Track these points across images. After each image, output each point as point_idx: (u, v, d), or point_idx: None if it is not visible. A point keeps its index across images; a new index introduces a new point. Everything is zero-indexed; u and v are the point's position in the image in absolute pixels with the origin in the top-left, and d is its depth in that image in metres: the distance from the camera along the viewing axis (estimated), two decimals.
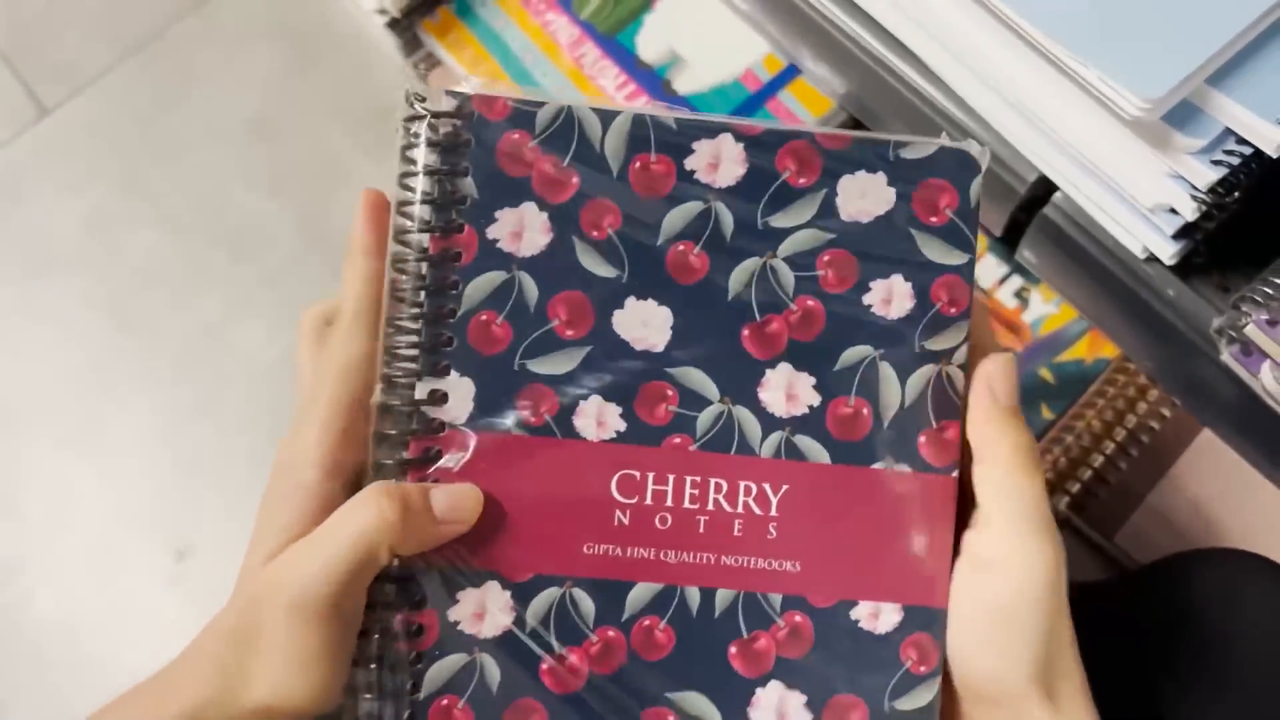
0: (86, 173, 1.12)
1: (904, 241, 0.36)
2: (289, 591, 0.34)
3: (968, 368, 0.37)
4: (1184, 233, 0.49)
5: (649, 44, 0.81)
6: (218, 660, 0.36)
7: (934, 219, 0.36)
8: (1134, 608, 0.51)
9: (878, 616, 0.36)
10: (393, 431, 0.36)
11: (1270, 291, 0.47)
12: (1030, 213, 0.57)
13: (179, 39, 1.15)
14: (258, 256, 1.08)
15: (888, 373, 0.36)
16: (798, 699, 0.36)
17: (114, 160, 1.12)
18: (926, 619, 0.36)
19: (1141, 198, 0.48)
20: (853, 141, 0.36)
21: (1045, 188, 0.55)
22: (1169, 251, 0.50)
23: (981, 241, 0.80)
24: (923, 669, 0.36)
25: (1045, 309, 0.77)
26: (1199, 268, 0.51)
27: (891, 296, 0.36)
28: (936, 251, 0.36)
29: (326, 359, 0.37)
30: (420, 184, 0.36)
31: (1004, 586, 0.35)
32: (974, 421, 0.36)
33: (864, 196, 0.36)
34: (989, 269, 0.79)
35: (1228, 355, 0.50)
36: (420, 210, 0.35)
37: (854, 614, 0.36)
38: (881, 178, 0.36)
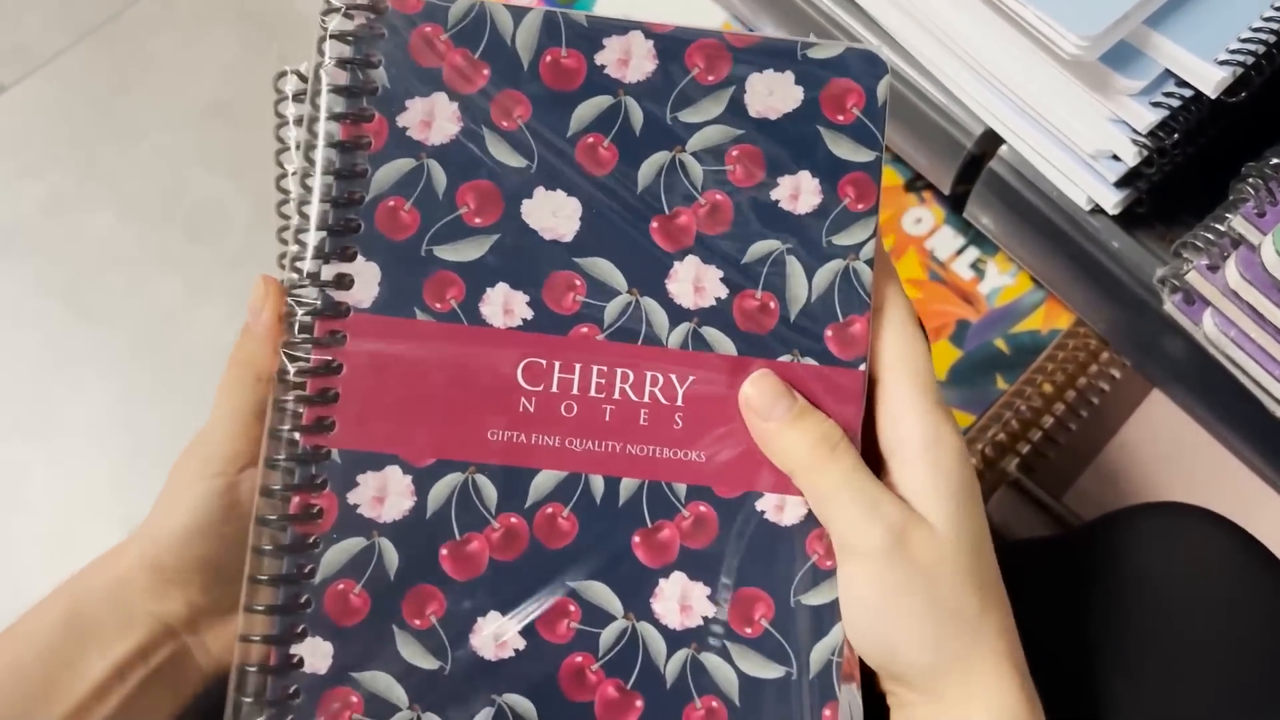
0: (42, 155, 1.11)
1: (811, 139, 0.37)
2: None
3: (874, 264, 0.37)
4: (1126, 181, 0.49)
5: (606, 12, 0.81)
6: (108, 556, 0.40)
7: (841, 117, 0.36)
8: (1076, 562, 0.51)
9: (783, 509, 0.36)
10: (297, 314, 0.36)
11: (1211, 237, 0.47)
12: (978, 171, 0.57)
13: (135, 21, 1.14)
14: (216, 239, 1.07)
15: (794, 267, 0.37)
16: (701, 590, 0.36)
17: (70, 143, 1.11)
18: None
19: (1083, 144, 0.48)
20: (761, 41, 0.36)
21: (992, 142, 0.55)
22: (1112, 200, 0.50)
23: (938, 214, 0.80)
24: (829, 564, 0.36)
25: (1001, 280, 0.77)
26: (1142, 219, 0.52)
27: (799, 192, 0.37)
28: (844, 149, 0.36)
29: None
30: (332, 74, 0.36)
31: (858, 580, 0.35)
32: (762, 447, 0.36)
33: (771, 94, 0.36)
34: (945, 241, 0.79)
35: (1171, 305, 0.50)
36: (330, 99, 0.36)
37: (759, 505, 0.36)
38: (789, 76, 0.36)
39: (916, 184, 0.80)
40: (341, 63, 0.36)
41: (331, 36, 0.36)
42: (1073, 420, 0.63)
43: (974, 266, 0.80)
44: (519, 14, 0.36)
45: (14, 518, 0.97)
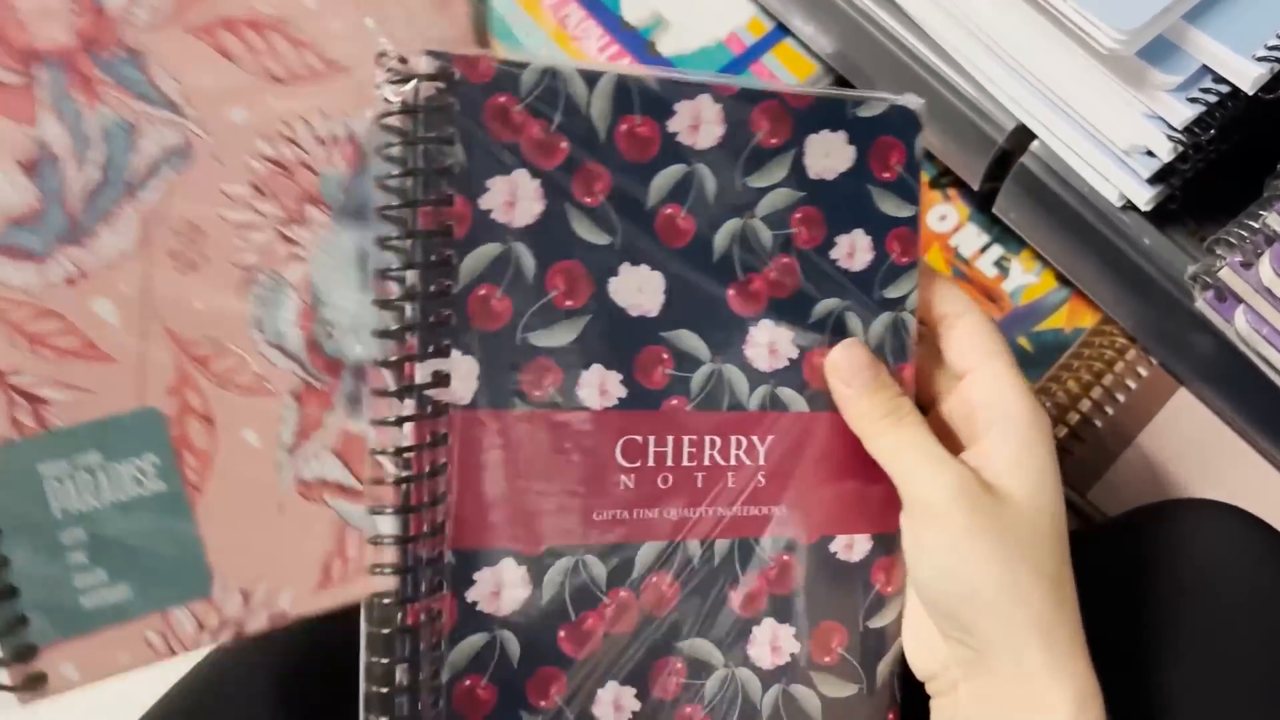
0: None
1: (864, 198, 0.38)
2: None
3: (915, 313, 0.39)
4: (1159, 177, 0.49)
5: (633, 5, 0.81)
6: None
7: (886, 174, 0.38)
8: (1100, 557, 0.51)
9: (852, 547, 0.39)
10: (391, 419, 0.35)
11: (1244, 234, 0.47)
12: (1008, 167, 0.57)
13: None
14: None
15: (854, 322, 0.38)
16: (787, 631, 0.38)
17: None
18: (890, 544, 0.39)
19: (1118, 139, 0.48)
20: (815, 100, 0.38)
21: (1024, 138, 0.55)
22: (1145, 197, 0.50)
23: (962, 211, 0.80)
24: (889, 589, 0.39)
25: (1025, 279, 0.77)
26: (1174, 215, 0.52)
27: (854, 250, 0.38)
28: (889, 205, 0.38)
29: None
30: (403, 154, 0.34)
31: (1007, 520, 0.36)
32: (842, 411, 0.38)
33: (828, 155, 0.38)
34: (970, 238, 0.79)
35: (1202, 302, 0.50)
36: (404, 183, 0.34)
37: (832, 547, 0.38)
38: (842, 135, 0.38)
39: (941, 180, 0.80)
40: (414, 140, 0.34)
41: (400, 112, 0.34)
42: (1098, 417, 0.63)
43: (998, 264, 0.80)
44: (592, 78, 0.36)
45: None
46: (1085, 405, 0.63)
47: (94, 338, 0.34)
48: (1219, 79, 0.45)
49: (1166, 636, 0.48)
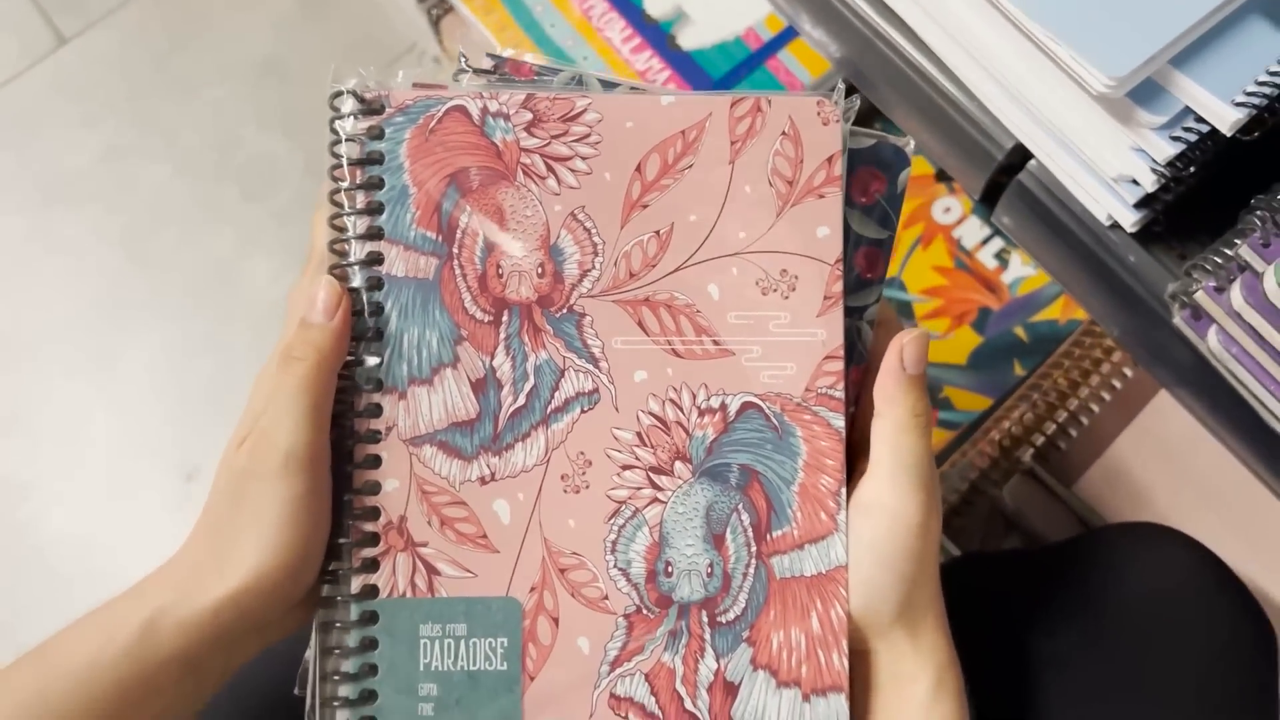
0: (101, 106, 1.14)
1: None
2: (279, 449, 0.39)
3: (874, 326, 0.44)
4: (1144, 203, 0.53)
5: (656, 0, 0.84)
6: (186, 559, 0.40)
7: (863, 199, 0.43)
8: (1046, 579, 0.55)
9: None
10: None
11: (1219, 260, 0.50)
12: (1008, 178, 0.60)
13: None
14: (268, 195, 1.11)
15: None
16: None
17: (129, 95, 1.15)
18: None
19: (1106, 168, 0.51)
20: None
21: (1022, 155, 0.59)
22: (1130, 219, 0.53)
23: (966, 204, 0.83)
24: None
25: (1024, 271, 0.81)
26: (1158, 236, 0.55)
27: None
28: (863, 226, 0.43)
29: (292, 299, 0.42)
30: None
31: (877, 528, 0.41)
32: (880, 382, 0.42)
33: None
34: (972, 230, 0.83)
35: (1179, 319, 0.53)
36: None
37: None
38: None
39: (946, 174, 0.83)
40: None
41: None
42: (1085, 414, 0.67)
43: (998, 256, 0.84)
44: (608, 89, 0.43)
45: (77, 453, 1.02)
46: (1073, 403, 0.67)
47: (488, 530, 0.41)
48: (1200, 119, 0.48)
49: (1101, 657, 0.53)
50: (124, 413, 1.04)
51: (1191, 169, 0.49)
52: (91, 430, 1.04)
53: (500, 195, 0.42)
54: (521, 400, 0.41)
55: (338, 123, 0.42)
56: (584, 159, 0.41)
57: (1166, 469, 0.64)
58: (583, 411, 0.41)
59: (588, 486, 0.41)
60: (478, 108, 0.42)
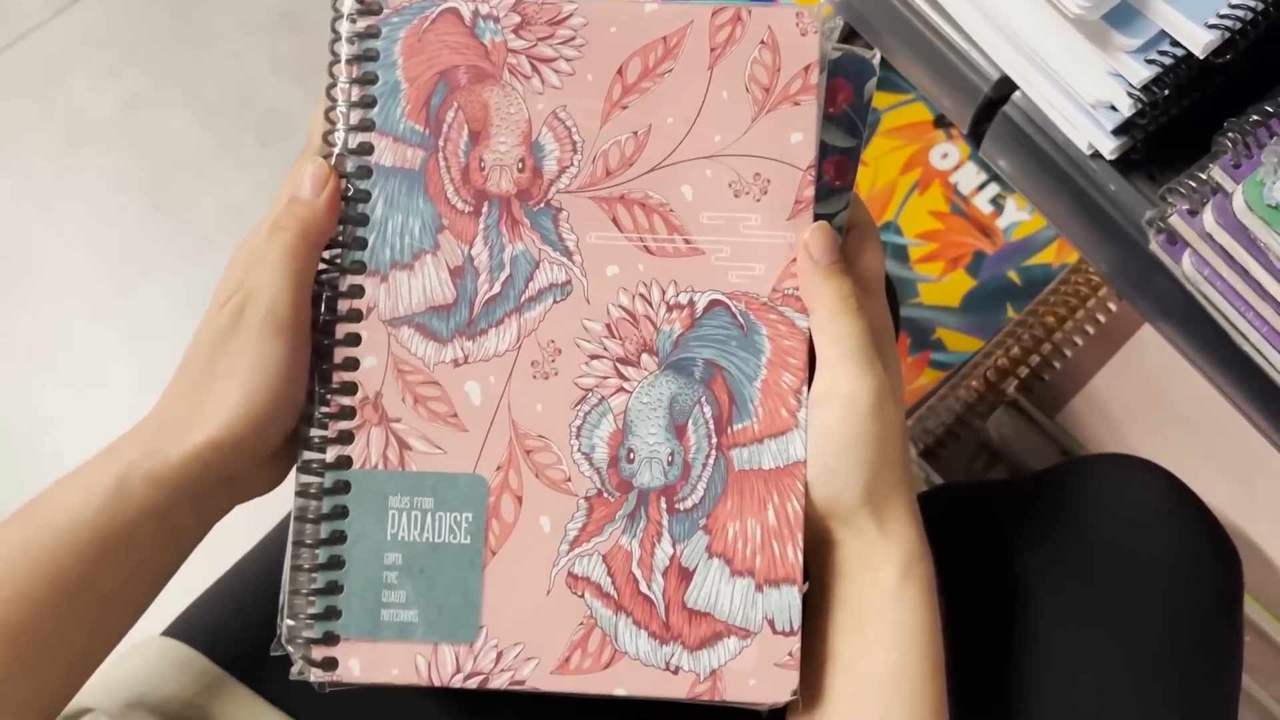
0: (123, 57, 1.17)
1: None
2: (261, 308, 0.41)
3: (844, 233, 0.45)
4: (1123, 129, 0.54)
5: None
6: (155, 416, 0.42)
7: (831, 109, 0.44)
8: (1022, 507, 0.57)
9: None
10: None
11: (1193, 185, 0.51)
12: (993, 113, 0.62)
13: None
14: (284, 143, 1.13)
15: None
16: None
17: (149, 45, 1.17)
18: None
19: (1085, 94, 0.53)
20: None
21: (1008, 88, 0.60)
22: (1109, 147, 0.55)
23: (964, 150, 0.85)
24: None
25: (1018, 216, 0.82)
26: (1137, 165, 0.56)
27: None
28: (831, 136, 0.44)
29: (282, 186, 0.45)
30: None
31: (831, 416, 0.42)
32: (801, 283, 0.43)
33: None
34: (969, 176, 0.84)
35: (1156, 244, 0.55)
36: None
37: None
38: None
39: (945, 120, 0.85)
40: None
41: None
42: (1068, 348, 0.68)
43: (994, 201, 0.85)
44: None
45: (98, 393, 1.05)
46: (1058, 337, 0.68)
47: (459, 410, 0.43)
48: (1175, 42, 0.49)
49: (1073, 583, 0.54)
50: (143, 353, 1.07)
51: (1166, 93, 0.51)
52: (112, 369, 1.07)
53: (486, 93, 0.44)
54: (497, 288, 0.43)
55: (337, 22, 0.44)
56: (568, 60, 0.43)
57: (1146, 400, 0.66)
58: (555, 302, 0.43)
59: (556, 374, 0.43)
60: (469, 10, 0.44)
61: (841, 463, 0.42)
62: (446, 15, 0.44)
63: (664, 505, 0.42)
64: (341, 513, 0.43)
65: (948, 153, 0.84)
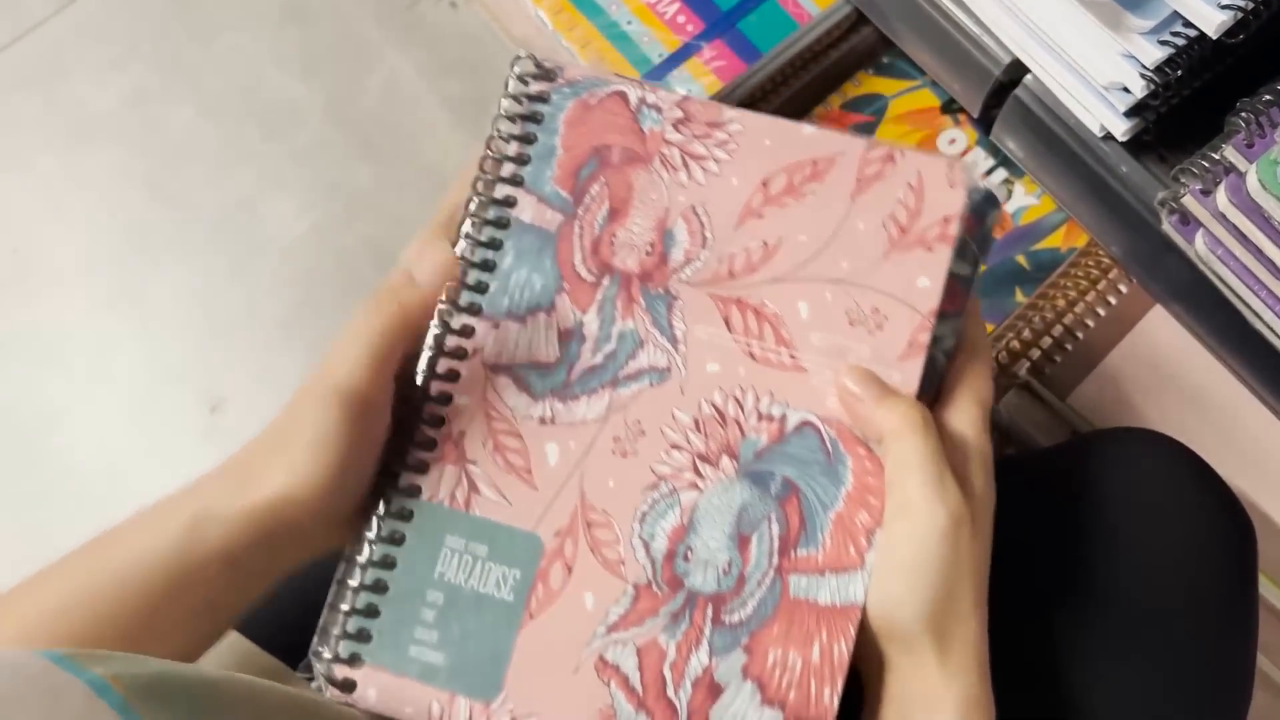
0: (127, 51, 1.17)
1: None
2: (330, 379, 0.41)
3: (950, 356, 0.43)
4: (1135, 111, 0.55)
5: None
6: (232, 465, 0.42)
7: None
8: (1036, 482, 0.56)
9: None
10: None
11: (1206, 165, 0.52)
12: (1004, 97, 0.62)
13: None
14: (288, 135, 1.13)
15: None
16: None
17: (152, 39, 1.17)
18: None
19: (1098, 75, 0.53)
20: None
21: (1019, 72, 0.60)
22: (1121, 128, 0.55)
23: (971, 136, 0.85)
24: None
25: (1026, 200, 0.83)
26: (1149, 146, 0.57)
27: None
28: (952, 262, 0.42)
29: (410, 250, 0.44)
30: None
31: (896, 533, 0.40)
32: (852, 420, 0.42)
33: None
34: (976, 162, 0.84)
35: (1168, 225, 0.55)
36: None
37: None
38: None
39: (952, 106, 0.85)
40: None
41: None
42: (1080, 329, 0.69)
43: (1002, 186, 0.85)
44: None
45: (106, 385, 1.05)
46: (1069, 319, 0.69)
47: (534, 467, 0.43)
48: (1188, 23, 0.50)
49: (1088, 558, 0.54)
50: (150, 346, 1.07)
51: (1179, 74, 0.51)
52: (120, 362, 1.07)
53: (634, 175, 0.44)
54: (599, 359, 0.43)
55: (511, 81, 0.45)
56: (717, 161, 0.44)
57: (1157, 381, 0.66)
58: (650, 385, 0.43)
59: (635, 454, 0.42)
60: (636, 96, 0.45)
61: (899, 579, 0.40)
62: (614, 96, 0.45)
63: (710, 613, 0.41)
64: (398, 539, 0.43)
65: (955, 138, 0.85)
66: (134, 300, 1.08)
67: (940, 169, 0.42)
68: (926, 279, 0.42)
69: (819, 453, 0.42)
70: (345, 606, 0.42)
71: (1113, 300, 0.69)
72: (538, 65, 0.46)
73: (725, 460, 0.42)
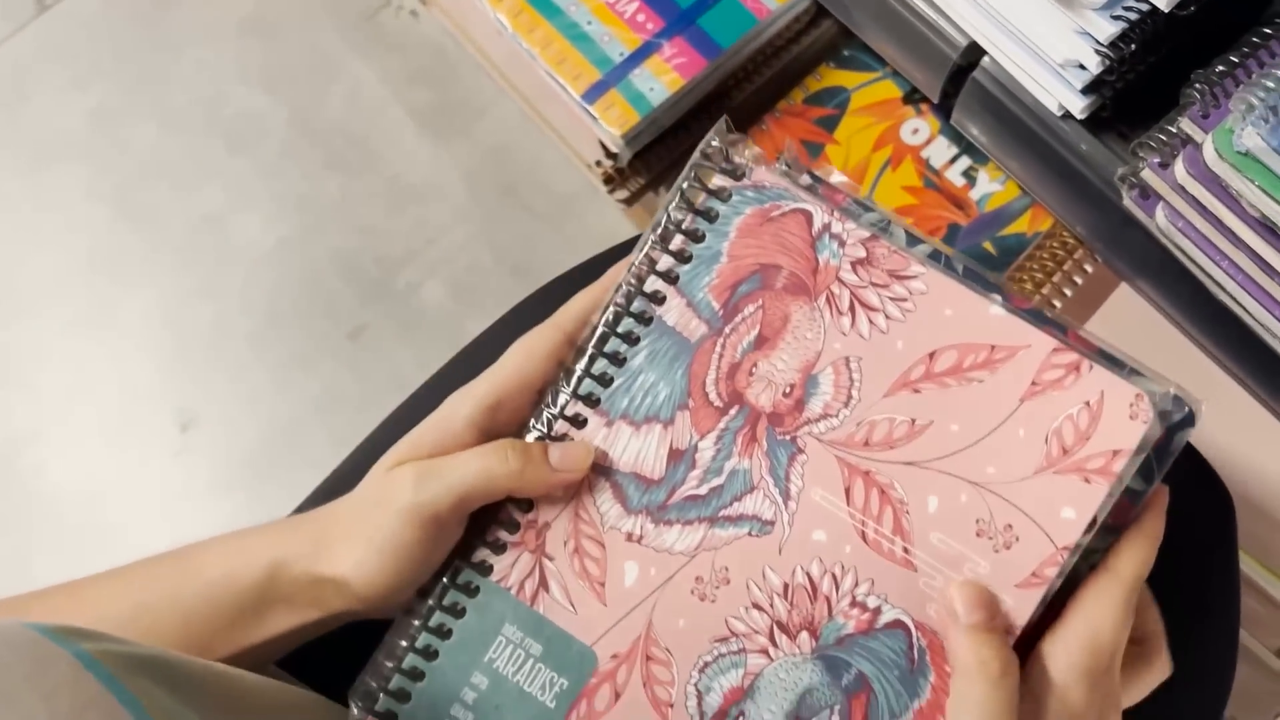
0: (89, 69, 1.16)
1: None
2: (409, 497, 0.40)
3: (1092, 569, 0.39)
4: (1092, 88, 0.55)
5: None
6: (315, 528, 0.43)
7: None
8: None
9: None
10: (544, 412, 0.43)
11: (1163, 138, 0.52)
12: (963, 81, 0.62)
13: None
14: (253, 148, 1.13)
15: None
16: None
17: (115, 57, 1.17)
18: None
19: (1053, 53, 0.54)
20: (1098, 354, 0.39)
21: (975, 54, 0.61)
22: (1079, 105, 0.55)
23: (933, 125, 0.85)
24: None
25: (991, 187, 0.83)
26: (1107, 123, 0.57)
27: None
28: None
29: (521, 340, 0.43)
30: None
31: None
32: (940, 632, 0.39)
33: None
34: (940, 150, 0.85)
35: (1129, 200, 0.55)
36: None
37: None
38: None
39: (914, 96, 0.85)
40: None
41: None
42: (1047, 311, 0.69)
43: (966, 174, 0.86)
44: (913, 242, 0.41)
45: (78, 405, 1.04)
46: (1037, 300, 0.69)
47: (608, 581, 0.42)
48: None
49: None
50: (120, 365, 1.06)
51: (1133, 48, 0.52)
52: (88, 382, 1.06)
53: (794, 306, 0.41)
54: (703, 491, 0.41)
55: (697, 168, 0.42)
56: (888, 318, 0.40)
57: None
58: (749, 534, 0.41)
59: (714, 601, 0.41)
60: (822, 221, 0.41)
61: None
62: (797, 214, 0.41)
63: None
64: (459, 611, 0.42)
65: (918, 128, 0.85)
66: (103, 319, 1.07)
67: (1125, 397, 0.38)
68: (1073, 511, 0.38)
69: (903, 658, 0.40)
70: (392, 663, 0.42)
71: (1079, 280, 0.69)
72: (727, 159, 0.42)
73: (804, 636, 0.40)
